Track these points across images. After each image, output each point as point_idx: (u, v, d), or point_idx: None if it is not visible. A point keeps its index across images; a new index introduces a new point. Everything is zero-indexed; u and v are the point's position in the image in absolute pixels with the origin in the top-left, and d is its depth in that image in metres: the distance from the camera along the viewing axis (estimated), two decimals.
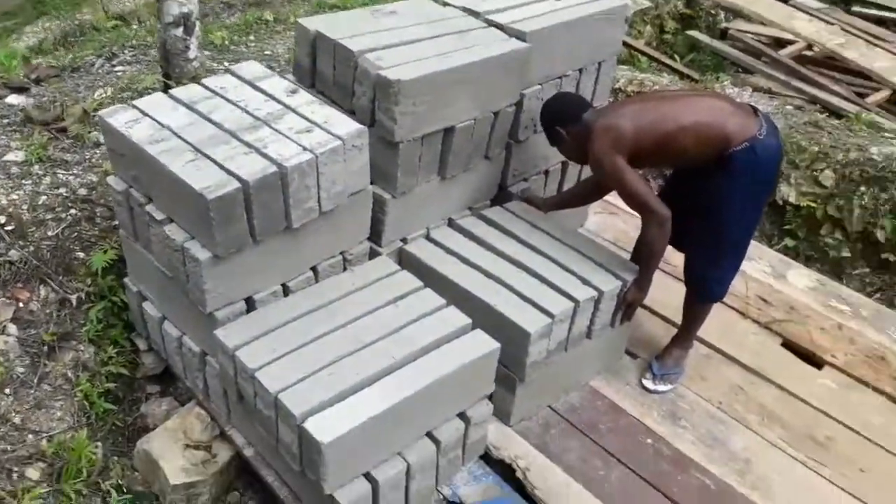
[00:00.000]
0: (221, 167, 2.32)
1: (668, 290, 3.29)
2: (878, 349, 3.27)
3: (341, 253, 2.76)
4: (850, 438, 2.88)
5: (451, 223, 3.08)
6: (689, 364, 3.13)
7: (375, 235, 2.86)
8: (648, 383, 3.05)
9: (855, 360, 3.22)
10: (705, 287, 2.92)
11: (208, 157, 2.36)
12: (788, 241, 4.33)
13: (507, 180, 3.24)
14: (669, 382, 3.05)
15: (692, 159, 2.67)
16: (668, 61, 5.86)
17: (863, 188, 4.06)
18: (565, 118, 2.78)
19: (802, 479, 2.73)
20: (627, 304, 2.86)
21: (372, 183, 2.72)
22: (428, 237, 3.01)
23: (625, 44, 5.80)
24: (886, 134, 4.43)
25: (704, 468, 2.73)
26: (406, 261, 2.93)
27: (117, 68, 4.56)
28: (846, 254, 4.18)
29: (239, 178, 2.27)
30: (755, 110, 2.69)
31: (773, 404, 3.01)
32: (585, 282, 2.75)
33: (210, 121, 2.53)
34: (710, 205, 2.70)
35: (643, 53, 5.92)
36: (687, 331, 3.08)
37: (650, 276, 2.82)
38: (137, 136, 2.47)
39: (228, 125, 2.50)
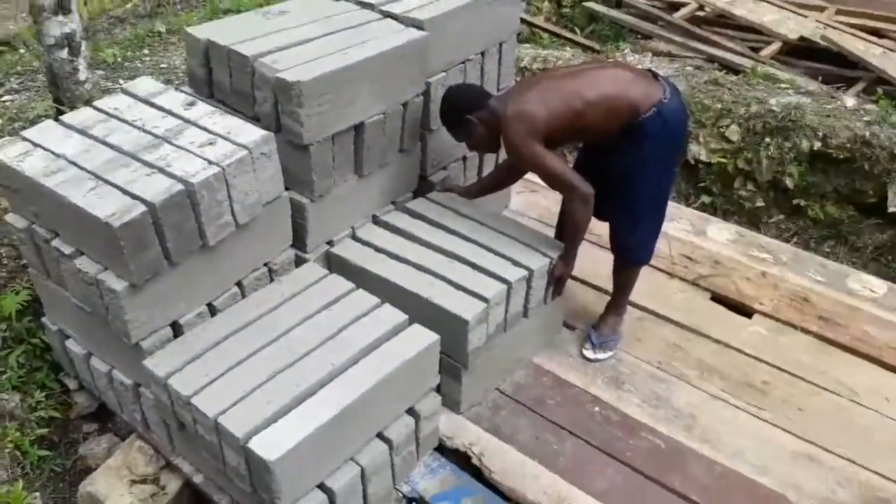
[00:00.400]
0: (125, 192, 2.21)
1: (596, 261, 3.34)
2: (800, 291, 3.39)
3: (265, 264, 2.68)
4: (785, 380, 2.98)
5: (375, 220, 3.04)
6: (625, 329, 3.18)
7: (299, 242, 2.79)
8: (589, 353, 3.09)
9: (781, 304, 3.33)
10: (630, 252, 2.98)
11: (110, 182, 2.25)
12: (705, 198, 4.46)
13: (427, 170, 3.22)
14: (609, 349, 3.09)
15: (603, 132, 2.69)
16: (569, 35, 5.93)
17: (767, 139, 4.21)
18: (473, 105, 2.75)
19: (746, 425, 2.81)
20: (556, 279, 2.88)
21: (288, 189, 2.65)
22: (354, 237, 2.96)
23: (525, 22, 5.85)
24: (782, 85, 4.61)
25: (653, 428, 2.78)
26: (334, 263, 2.87)
27: (4, 98, 4.33)
28: (760, 204, 4.33)
29: (144, 202, 2.17)
30: (655, 75, 2.74)
31: (710, 357, 3.09)
32: (515, 263, 2.75)
33: (107, 144, 2.41)
34: (624, 173, 2.73)
35: (544, 30, 5.98)
36: (619, 297, 3.13)
37: (575, 251, 2.85)
38: (31, 169, 2.33)
39: (127, 147, 2.39)
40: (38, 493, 2.71)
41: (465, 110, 2.75)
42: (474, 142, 2.86)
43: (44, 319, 2.89)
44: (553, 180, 2.70)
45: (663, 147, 2.69)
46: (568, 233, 2.85)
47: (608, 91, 2.63)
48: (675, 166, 2.96)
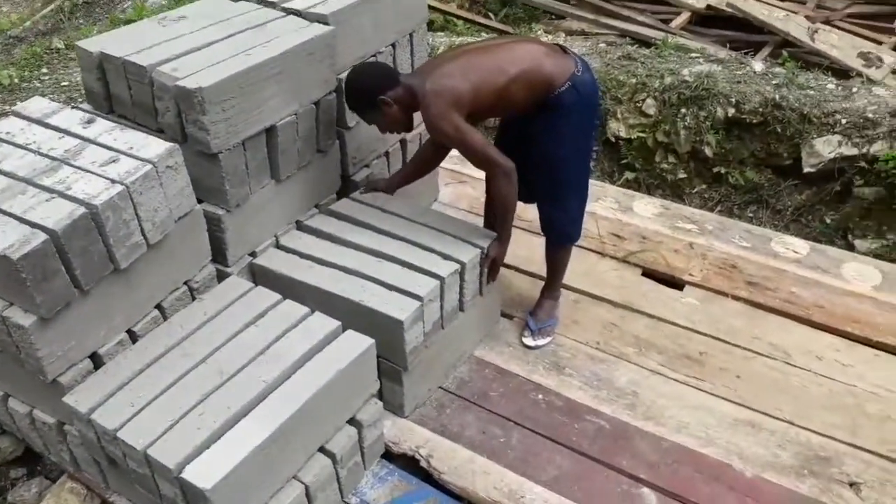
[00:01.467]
0: (23, 220, 2.07)
1: (529, 246, 3.32)
2: (728, 259, 3.45)
3: (185, 283, 2.56)
4: (720, 349, 3.02)
5: (299, 225, 2.94)
6: (562, 311, 3.17)
7: (219, 255, 2.68)
8: (528, 340, 3.07)
9: (710, 273, 3.38)
10: (562, 229, 2.96)
11: (5, 212, 2.10)
12: (629, 174, 4.50)
13: (349, 169, 3.13)
14: (547, 335, 3.08)
15: (522, 107, 2.67)
16: (483, 20, 5.92)
17: (683, 110, 4.27)
18: (383, 85, 2.63)
19: (687, 398, 2.83)
20: (491, 263, 2.83)
21: (201, 201, 2.54)
22: (278, 245, 2.86)
23: (437, 10, 5.80)
24: (693, 54, 4.68)
25: (596, 410, 2.78)
26: (259, 275, 2.77)
27: None
28: (682, 175, 4.40)
29: (45, 229, 2.03)
30: (564, 49, 2.73)
31: (646, 333, 3.11)
32: (446, 257, 2.70)
33: (0, 172, 2.25)
34: (544, 150, 2.72)
35: (457, 16, 5.94)
36: (553, 280, 3.12)
37: (508, 231, 2.82)
38: None
39: (22, 172, 2.23)
40: None
41: (377, 91, 2.63)
42: (388, 123, 2.74)
43: None
44: (476, 155, 2.65)
45: (580, 120, 2.69)
46: (497, 213, 2.81)
47: (527, 66, 2.60)
48: (593, 139, 2.97)
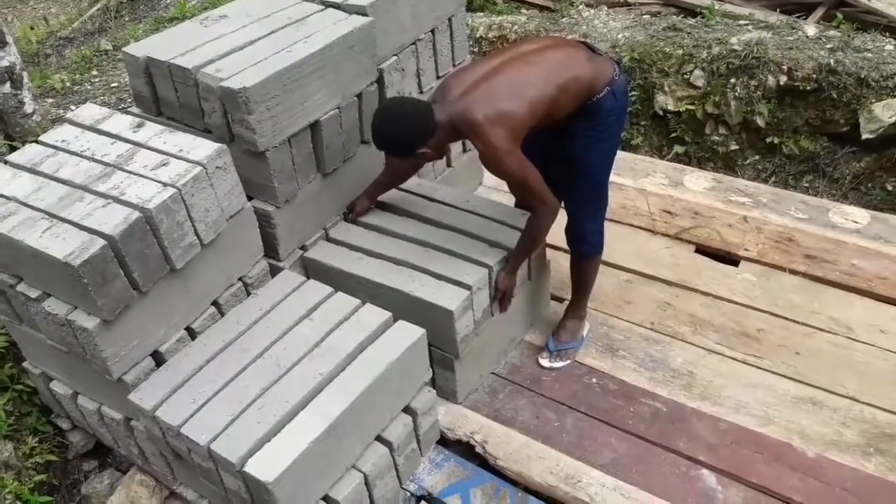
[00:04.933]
0: (81, 227, 2.14)
1: None
2: (784, 232, 3.36)
3: (240, 279, 2.61)
4: (779, 325, 2.96)
5: (346, 217, 2.97)
6: (612, 293, 3.14)
7: (271, 251, 2.72)
8: (545, 361, 2.92)
9: (766, 248, 3.30)
10: (590, 241, 2.80)
11: (65, 220, 2.17)
12: (678, 148, 4.40)
13: None
14: (567, 358, 2.92)
15: (563, 116, 2.48)
16: None
17: (733, 80, 4.15)
18: (422, 139, 2.36)
19: (745, 377, 2.78)
20: (501, 294, 2.68)
21: (251, 199, 2.58)
22: (327, 238, 2.89)
23: None
24: (741, 21, 4.53)
25: (652, 392, 2.75)
26: (310, 268, 2.81)
27: None
28: (734, 147, 4.29)
29: (103, 235, 2.10)
30: (593, 49, 2.57)
31: (702, 311, 3.06)
32: (493, 244, 2.70)
33: (58, 180, 2.33)
34: (580, 156, 2.56)
35: None
36: (580, 297, 2.94)
37: (522, 263, 2.69)
38: None
39: (79, 180, 2.30)
40: None
41: (413, 147, 2.38)
42: (422, 163, 2.61)
43: (25, 364, 2.83)
44: (528, 192, 2.46)
45: (617, 124, 2.57)
46: (523, 244, 2.61)
47: (572, 73, 2.41)
48: (619, 144, 2.78)
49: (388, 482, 2.47)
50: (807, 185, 4.13)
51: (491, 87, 2.34)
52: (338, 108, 2.67)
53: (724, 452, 2.52)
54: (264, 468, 2.08)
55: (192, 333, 2.50)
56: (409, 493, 2.56)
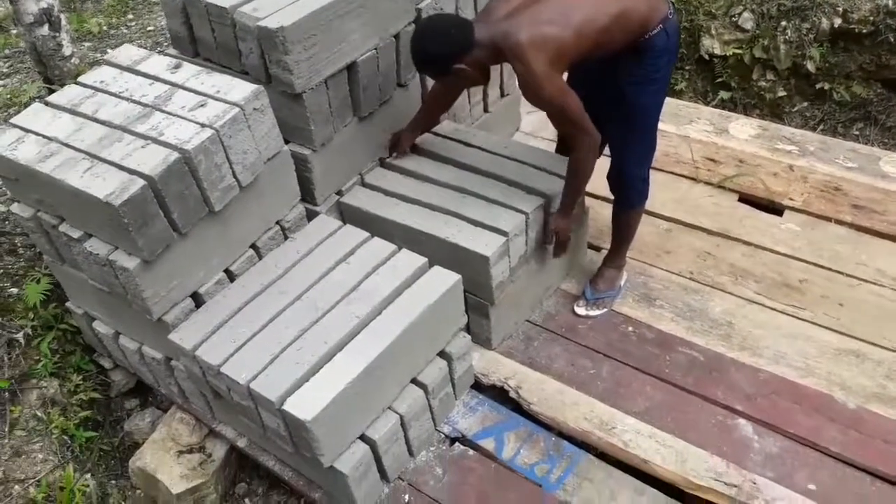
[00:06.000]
0: (121, 167, 2.15)
1: None
2: (831, 181, 3.26)
3: (277, 222, 2.62)
4: (823, 276, 2.89)
5: (382, 163, 2.95)
6: (652, 241, 3.09)
7: (308, 195, 2.72)
8: (580, 309, 2.90)
9: (811, 197, 3.21)
10: (636, 188, 2.72)
11: (105, 160, 2.19)
12: (723, 94, 4.28)
13: None
14: (603, 306, 2.88)
15: (612, 52, 2.38)
16: None
17: (784, 23, 3.99)
18: (460, 51, 2.30)
19: (786, 327, 2.73)
20: (557, 238, 2.65)
21: (288, 142, 2.57)
22: (363, 183, 2.88)
23: None
24: None
25: (689, 342, 2.72)
26: (346, 213, 2.80)
27: None
28: (782, 93, 4.15)
29: (143, 175, 2.11)
30: None
31: (743, 261, 3.00)
32: (530, 190, 2.66)
33: (97, 121, 2.34)
34: (629, 98, 2.46)
35: None
36: (619, 246, 2.89)
37: (576, 201, 2.62)
38: (24, 156, 2.27)
39: (118, 121, 2.31)
40: (89, 475, 2.76)
41: (450, 60, 2.31)
42: (463, 85, 2.53)
43: (68, 304, 2.89)
44: (569, 121, 2.37)
45: (668, 65, 2.46)
46: (571, 182, 2.53)
47: (626, 4, 2.29)
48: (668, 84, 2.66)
49: (423, 423, 2.50)
50: (857, 133, 3.99)
51: (538, 9, 2.26)
52: (375, 48, 2.63)
53: (763, 403, 2.50)
54: (303, 407, 2.11)
55: (230, 276, 2.52)
56: (443, 435, 2.59)
